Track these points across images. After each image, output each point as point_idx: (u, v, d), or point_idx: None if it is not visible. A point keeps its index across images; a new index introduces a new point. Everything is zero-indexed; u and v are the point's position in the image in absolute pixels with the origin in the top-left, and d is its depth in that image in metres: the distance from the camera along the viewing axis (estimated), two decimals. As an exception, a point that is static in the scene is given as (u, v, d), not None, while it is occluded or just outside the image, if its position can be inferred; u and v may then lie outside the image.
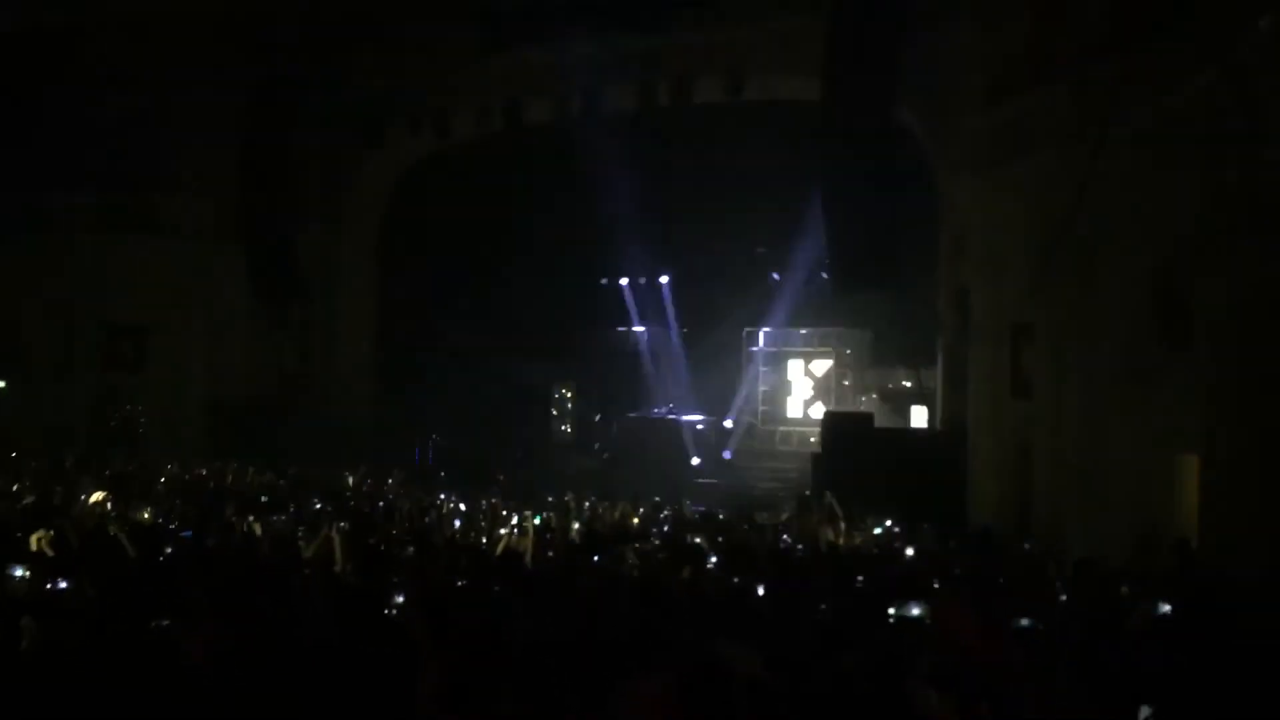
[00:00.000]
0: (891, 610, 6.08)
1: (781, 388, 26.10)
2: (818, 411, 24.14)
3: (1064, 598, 7.69)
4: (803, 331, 25.95)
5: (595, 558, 9.20)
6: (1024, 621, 6.47)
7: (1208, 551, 10.44)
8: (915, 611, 6.05)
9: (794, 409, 26.08)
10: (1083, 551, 11.63)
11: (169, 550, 8.35)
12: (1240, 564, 9.70)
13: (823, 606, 6.73)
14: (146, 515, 10.71)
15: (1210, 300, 11.59)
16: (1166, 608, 6.64)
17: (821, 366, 25.89)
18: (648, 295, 27.22)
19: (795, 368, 26.15)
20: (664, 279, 26.71)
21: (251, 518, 10.58)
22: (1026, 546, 11.07)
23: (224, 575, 7.09)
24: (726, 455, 24.92)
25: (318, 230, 23.49)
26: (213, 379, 22.07)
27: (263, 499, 12.81)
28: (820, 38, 17.71)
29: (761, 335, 26.23)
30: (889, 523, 12.29)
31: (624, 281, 27.17)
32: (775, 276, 25.02)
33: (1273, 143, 10.04)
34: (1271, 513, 10.06)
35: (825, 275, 22.91)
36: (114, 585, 6.42)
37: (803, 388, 26.08)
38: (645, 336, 27.66)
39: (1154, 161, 12.38)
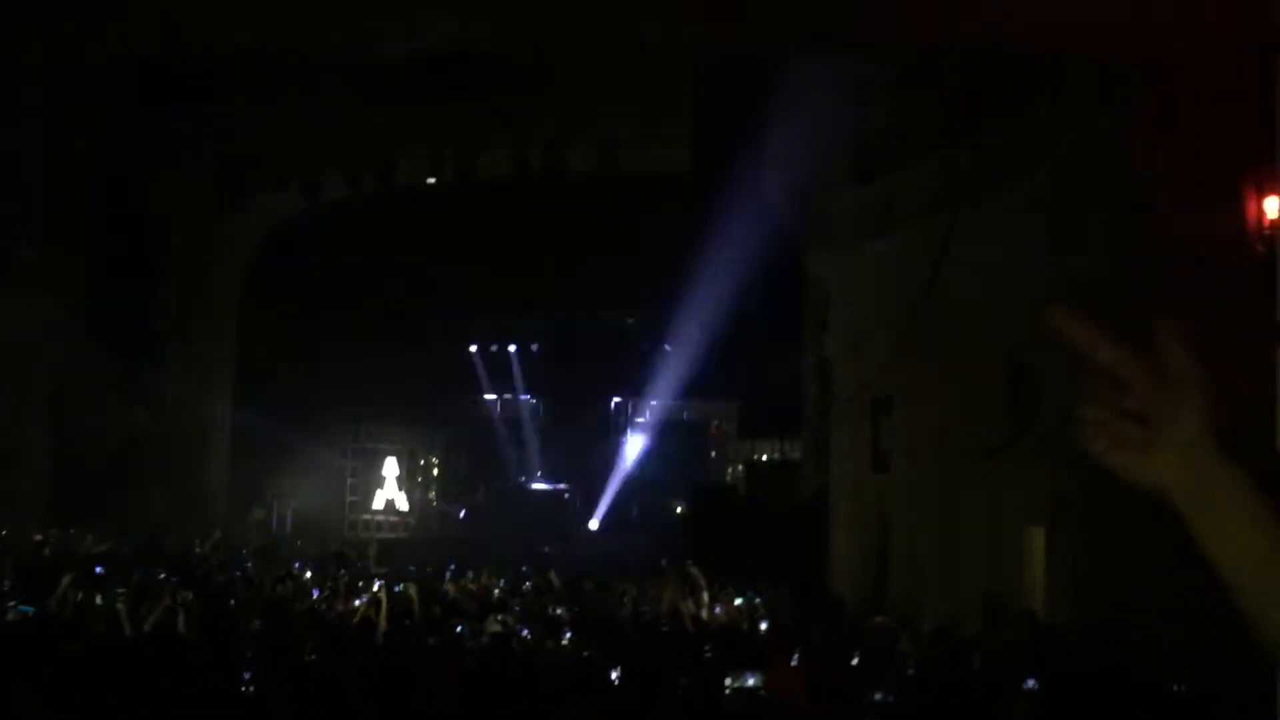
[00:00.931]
0: (728, 681, 6.08)
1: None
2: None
3: (911, 671, 7.79)
4: (671, 403, 26.16)
5: (458, 629, 8.99)
6: (876, 695, 6.54)
7: (1053, 620, 10.76)
8: (751, 681, 6.06)
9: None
10: (937, 622, 11.88)
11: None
12: (1081, 632, 10.00)
13: (681, 681, 6.68)
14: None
15: (1055, 378, 12.08)
16: (1032, 683, 6.79)
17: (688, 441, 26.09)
18: (515, 363, 27.08)
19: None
20: (533, 347, 26.61)
21: (82, 592, 9.99)
22: (879, 619, 11.21)
23: (59, 652, 6.68)
24: (593, 526, 24.79)
25: (174, 286, 22.70)
26: (57, 441, 20.95)
27: (98, 570, 12.13)
28: (691, 113, 18.16)
29: (630, 406, 26.33)
30: (754, 597, 12.31)
31: (492, 348, 26.97)
32: (644, 347, 25.18)
33: (1109, 233, 10.59)
34: (1112, 583, 10.44)
35: (692, 347, 23.25)
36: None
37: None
38: (512, 404, 27.47)
39: (1004, 243, 12.94)
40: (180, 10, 10.90)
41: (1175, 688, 7.20)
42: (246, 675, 6.25)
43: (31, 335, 20.31)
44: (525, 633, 9.08)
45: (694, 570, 11.74)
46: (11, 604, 9.15)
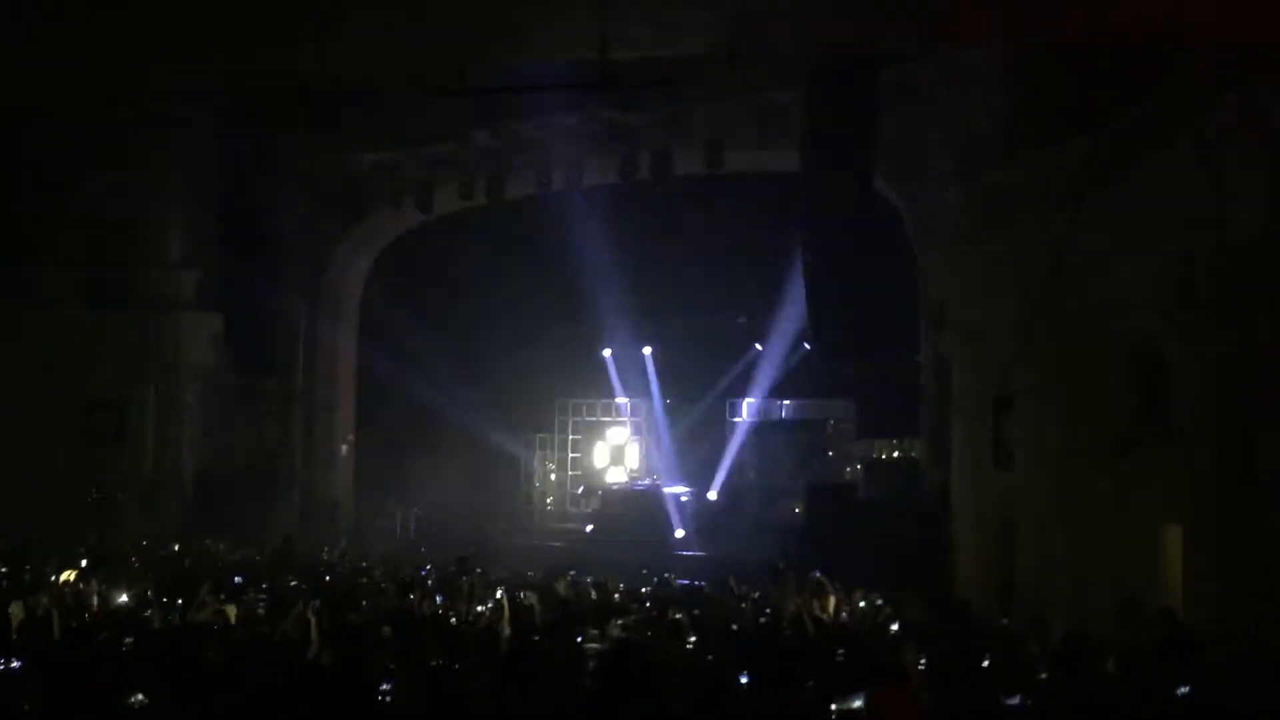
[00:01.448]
0: (834, 705, 5.97)
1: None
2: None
3: (1044, 675, 7.58)
4: (786, 403, 25.96)
5: (577, 636, 9.07)
6: (1013, 700, 6.39)
7: (1192, 621, 10.34)
8: (856, 704, 5.96)
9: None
10: (1066, 624, 11.54)
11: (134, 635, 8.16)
12: (1222, 633, 9.61)
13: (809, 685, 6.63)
14: (124, 598, 10.50)
15: (1188, 371, 11.64)
16: (1185, 689, 6.56)
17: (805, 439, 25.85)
18: (631, 366, 27.17)
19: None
20: (647, 350, 26.71)
21: (223, 596, 10.40)
22: (1005, 622, 10.95)
23: (197, 659, 6.95)
24: (711, 527, 24.72)
25: (299, 301, 23.48)
26: (193, 453, 21.86)
27: (236, 579, 12.59)
28: (799, 112, 18.01)
29: (745, 406, 26.20)
30: (877, 600, 12.15)
31: (607, 352, 27.15)
32: (758, 347, 25.06)
33: (1240, 217, 10.16)
34: (1252, 579, 10.00)
35: (808, 346, 23.05)
36: (60, 668, 6.27)
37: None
38: (628, 407, 27.59)
39: (1130, 233, 12.51)
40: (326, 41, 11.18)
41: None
42: (378, 683, 6.40)
43: (167, 352, 21.23)
44: (648, 635, 9.11)
45: (818, 575, 11.64)
46: (147, 613, 9.57)
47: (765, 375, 25.05)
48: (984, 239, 15.54)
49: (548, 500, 27.97)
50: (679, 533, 23.99)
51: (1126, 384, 13.56)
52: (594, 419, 27.99)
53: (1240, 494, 10.37)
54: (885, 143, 17.01)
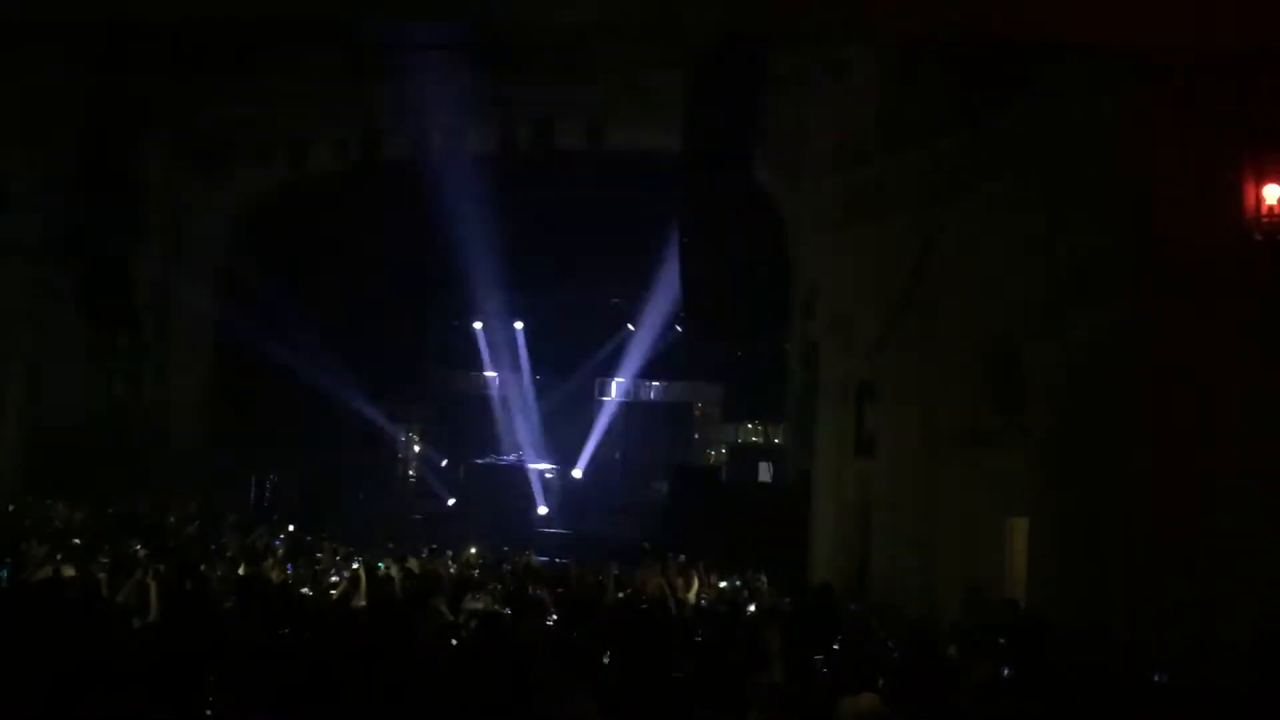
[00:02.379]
0: None
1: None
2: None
3: (895, 656, 7.76)
4: (654, 384, 26.08)
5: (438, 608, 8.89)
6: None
7: (1034, 609, 10.73)
8: None
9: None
10: (918, 609, 11.86)
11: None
12: (1063, 621, 9.99)
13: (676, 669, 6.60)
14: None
15: (1041, 367, 12.05)
16: (1006, 670, 6.76)
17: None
18: (501, 340, 26.90)
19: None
20: (519, 325, 26.47)
21: (60, 557, 9.87)
22: (853, 607, 11.20)
23: (26, 620, 6.55)
24: (574, 505, 24.69)
25: (155, 255, 22.41)
26: (33, 408, 20.69)
27: (75, 540, 11.98)
28: (682, 95, 17.97)
29: (614, 386, 26.23)
30: (737, 582, 12.28)
31: (478, 325, 26.81)
32: (630, 327, 25.08)
33: (1103, 222, 10.53)
34: (1093, 572, 10.42)
35: (679, 328, 23.15)
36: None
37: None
38: (496, 382, 27.32)
39: (994, 230, 12.87)
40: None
41: (1156, 678, 7.17)
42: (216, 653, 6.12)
43: (8, 304, 20.05)
44: (506, 612, 8.99)
45: (682, 558, 11.70)
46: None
47: (635, 356, 25.11)
48: (856, 230, 15.80)
49: (410, 473, 27.54)
50: (542, 510, 23.91)
51: (983, 380, 13.98)
52: (462, 391, 27.67)
53: (1083, 490, 10.79)
54: (765, 131, 17.11)
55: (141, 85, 20.33)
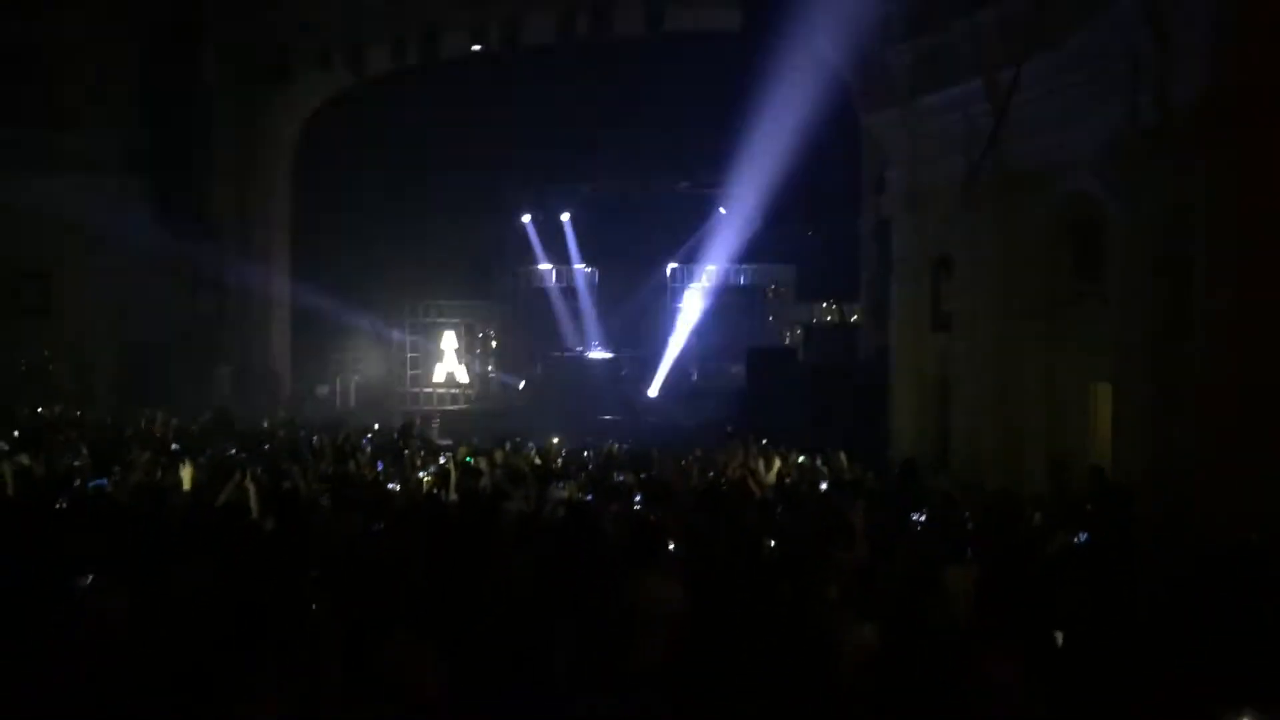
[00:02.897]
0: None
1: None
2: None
3: (970, 527, 7.80)
4: (728, 267, 26.00)
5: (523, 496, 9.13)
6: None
7: (1120, 477, 10.66)
8: None
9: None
10: (1001, 481, 11.87)
11: (67, 501, 8.05)
12: (1149, 489, 9.92)
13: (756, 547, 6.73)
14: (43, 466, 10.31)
15: (1121, 228, 11.73)
16: (1084, 536, 6.77)
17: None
18: (570, 232, 26.94)
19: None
20: (565, 217, 26.47)
21: (164, 463, 10.29)
22: (936, 482, 11.22)
23: (135, 527, 6.87)
24: (652, 393, 24.92)
25: (228, 167, 22.75)
26: (124, 323, 21.35)
27: (174, 446, 12.46)
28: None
29: (686, 272, 26.21)
30: (815, 458, 12.35)
31: (526, 219, 26.85)
32: (721, 210, 24.78)
33: (1182, 74, 10.10)
34: (1178, 437, 10.29)
35: (750, 211, 22.95)
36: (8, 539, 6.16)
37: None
38: (569, 274, 27.45)
39: (1070, 89, 12.45)
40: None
41: (1251, 537, 7.08)
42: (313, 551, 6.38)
43: (94, 219, 20.49)
44: (590, 499, 9.20)
45: (763, 441, 11.79)
46: (87, 481, 9.42)
47: (708, 240, 25.00)
48: (927, 100, 15.39)
49: (490, 368, 27.99)
50: (652, 392, 24.22)
51: (1061, 246, 13.70)
52: (536, 285, 27.86)
53: (1167, 354, 10.58)
54: (828, 3, 16.62)
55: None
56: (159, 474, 9.87)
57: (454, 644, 4.02)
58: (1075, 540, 6.78)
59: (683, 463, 11.94)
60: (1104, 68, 11.63)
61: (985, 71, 13.88)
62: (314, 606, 5.12)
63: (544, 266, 27.45)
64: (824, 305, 24.29)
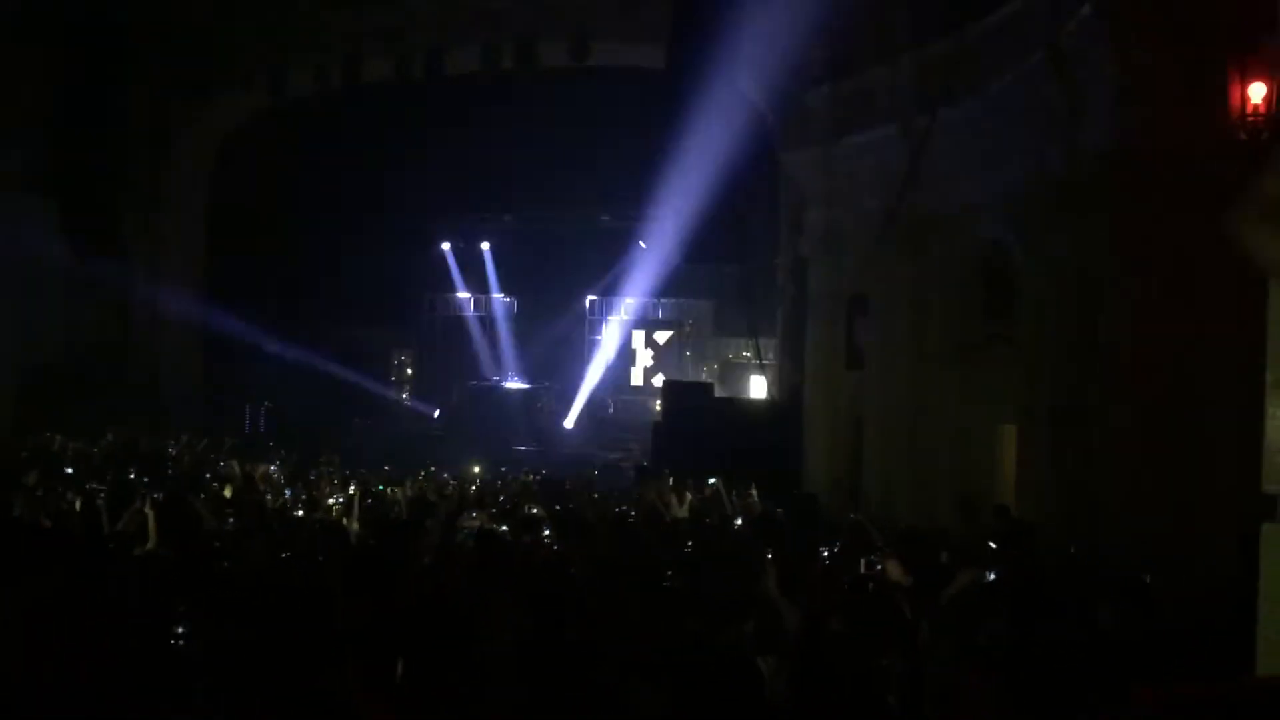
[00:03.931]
0: None
1: (625, 357, 26.23)
2: (659, 381, 24.34)
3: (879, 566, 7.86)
4: (646, 301, 26.10)
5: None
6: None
7: (1024, 515, 10.88)
8: None
9: (636, 378, 26.30)
10: (911, 518, 12.03)
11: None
12: (1052, 525, 10.14)
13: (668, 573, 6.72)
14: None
15: (1029, 276, 12.05)
16: (992, 575, 6.86)
17: (664, 337, 26.12)
18: (490, 262, 26.84)
19: (638, 338, 26.33)
20: (485, 246, 26.41)
21: (60, 489, 9.95)
22: (852, 517, 11.33)
23: (25, 549, 6.62)
24: (568, 425, 24.85)
25: (140, 187, 22.23)
26: (24, 344, 20.62)
27: (68, 470, 12.05)
28: (665, 5, 17.71)
29: (605, 305, 26.26)
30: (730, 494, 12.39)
31: (485, 245, 26.73)
32: (642, 245, 24.87)
33: (1089, 129, 10.44)
34: (1080, 477, 10.55)
35: (671, 246, 23.09)
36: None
37: (644, 357, 26.28)
38: (488, 304, 27.32)
39: (983, 138, 12.78)
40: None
41: (1145, 579, 7.27)
42: (213, 578, 6.21)
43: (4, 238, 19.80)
44: (502, 529, 9.11)
45: (672, 473, 11.80)
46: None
47: (627, 275, 25.08)
48: (845, 142, 15.68)
49: (404, 396, 27.66)
50: (568, 423, 24.13)
51: (972, 289, 14.03)
52: (453, 314, 27.69)
53: (1070, 397, 10.87)
54: (750, 43, 16.88)
55: (117, 14, 20.01)
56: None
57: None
58: (981, 577, 6.88)
59: (595, 495, 11.90)
60: (1017, 118, 11.99)
61: (902, 116, 14.20)
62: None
63: (462, 295, 27.29)
64: (741, 341, 24.47)
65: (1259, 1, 7.10)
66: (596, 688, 4.44)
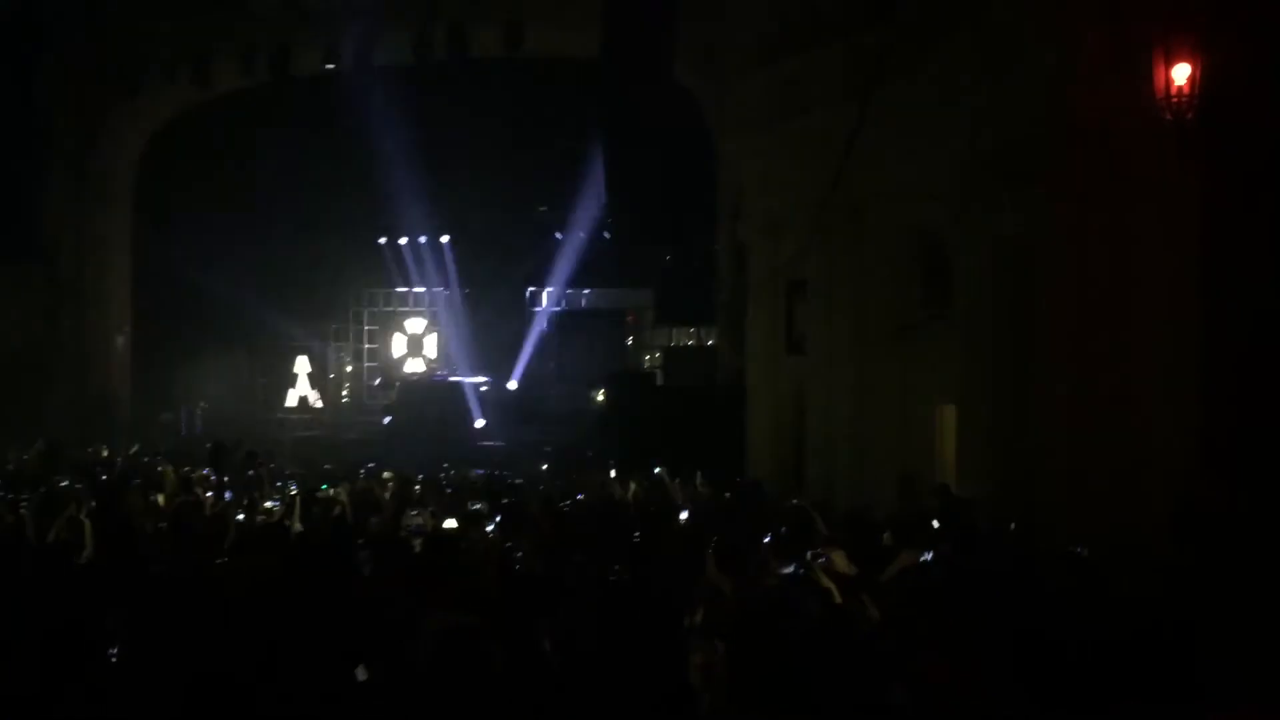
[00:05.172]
0: None
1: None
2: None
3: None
4: (585, 292, 26.01)
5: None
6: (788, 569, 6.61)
7: (965, 494, 11.01)
8: None
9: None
10: (853, 501, 12.12)
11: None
12: (992, 503, 10.26)
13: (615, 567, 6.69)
14: None
15: (966, 258, 12.18)
16: (928, 555, 6.93)
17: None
18: (427, 255, 26.55)
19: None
20: (444, 238, 26.11)
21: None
22: (794, 501, 11.40)
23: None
24: (511, 417, 24.69)
25: (65, 184, 21.64)
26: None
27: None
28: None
29: (545, 296, 26.11)
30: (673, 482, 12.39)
31: (403, 240, 26.39)
32: (558, 236, 24.83)
33: (1022, 110, 10.55)
34: (1018, 455, 10.69)
35: (607, 235, 23.02)
36: None
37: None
38: (425, 297, 27.06)
39: (917, 122, 12.88)
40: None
41: (1078, 550, 7.37)
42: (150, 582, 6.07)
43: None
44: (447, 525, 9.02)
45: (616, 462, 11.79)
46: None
47: (566, 264, 24.96)
48: (780, 129, 15.70)
49: (343, 393, 27.35)
50: (479, 423, 23.90)
51: (910, 271, 14.16)
52: (390, 309, 27.42)
53: (1010, 375, 11.00)
54: (685, 29, 16.85)
55: (37, 7, 19.45)
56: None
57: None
58: (919, 557, 6.94)
59: (540, 488, 11.85)
60: (951, 100, 12.08)
61: (837, 100, 14.25)
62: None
63: (401, 289, 27.00)
64: (683, 329, 24.47)
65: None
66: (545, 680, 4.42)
